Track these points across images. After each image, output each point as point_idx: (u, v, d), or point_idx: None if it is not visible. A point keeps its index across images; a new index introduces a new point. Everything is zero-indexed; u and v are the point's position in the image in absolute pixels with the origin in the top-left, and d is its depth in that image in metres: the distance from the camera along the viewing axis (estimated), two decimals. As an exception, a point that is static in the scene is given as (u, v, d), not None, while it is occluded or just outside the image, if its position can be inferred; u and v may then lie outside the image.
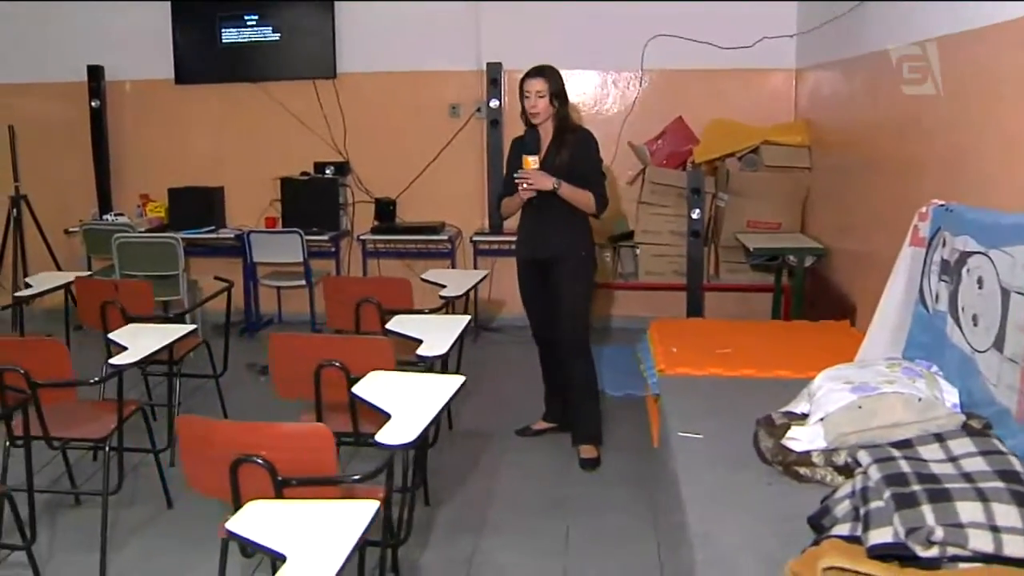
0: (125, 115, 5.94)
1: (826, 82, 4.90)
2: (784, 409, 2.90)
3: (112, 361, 2.75)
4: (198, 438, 2.03)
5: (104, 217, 5.79)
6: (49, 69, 5.81)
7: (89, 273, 4.59)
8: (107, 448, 2.87)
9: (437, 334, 2.88)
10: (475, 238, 5.41)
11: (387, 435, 2.05)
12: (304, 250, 5.31)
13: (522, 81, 3.53)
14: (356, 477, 2.02)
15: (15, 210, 5.62)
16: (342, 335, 2.83)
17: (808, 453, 2.57)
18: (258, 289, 5.63)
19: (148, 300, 3.54)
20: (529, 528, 3.08)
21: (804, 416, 2.79)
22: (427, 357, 2.73)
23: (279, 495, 1.96)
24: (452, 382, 2.39)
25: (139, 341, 2.91)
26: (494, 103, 5.35)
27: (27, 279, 4.02)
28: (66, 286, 3.99)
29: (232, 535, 1.66)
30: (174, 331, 3.02)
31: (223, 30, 5.66)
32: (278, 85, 5.69)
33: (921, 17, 3.44)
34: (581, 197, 3.51)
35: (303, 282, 5.39)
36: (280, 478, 1.96)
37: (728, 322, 4.56)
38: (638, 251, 5.29)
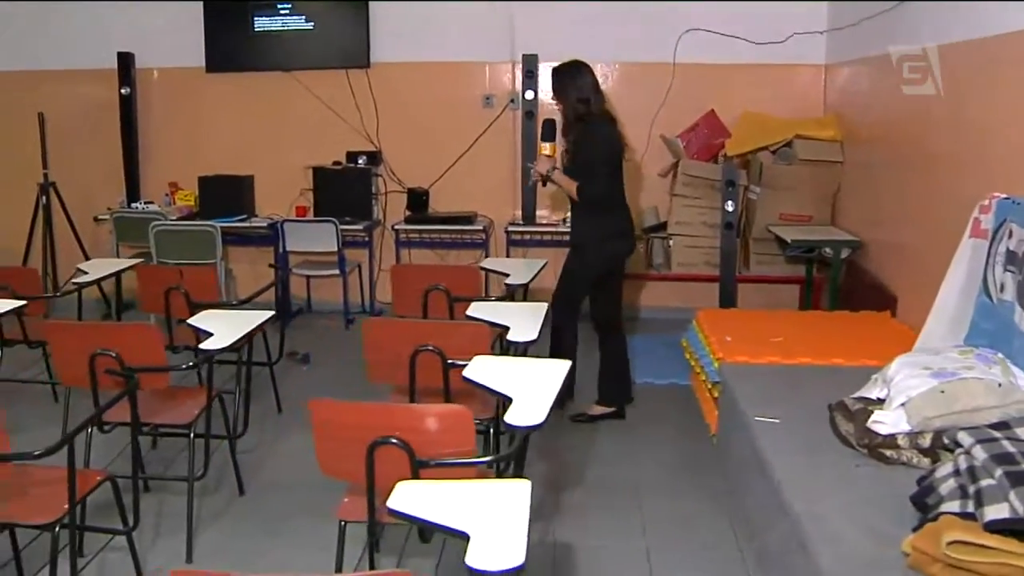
0: (154, 103, 5.90)
1: (860, 78, 4.99)
2: (857, 395, 3.00)
3: (203, 346, 2.77)
4: (332, 422, 2.07)
5: (133, 205, 5.76)
6: (79, 56, 5.75)
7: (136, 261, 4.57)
8: (191, 435, 2.89)
9: (521, 320, 2.93)
10: (509, 228, 5.44)
11: (515, 417, 2.10)
12: (339, 239, 5.33)
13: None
14: (489, 458, 2.06)
15: (44, 197, 5.56)
16: (438, 321, 2.86)
17: (894, 436, 2.66)
18: (289, 278, 5.62)
19: (213, 287, 3.56)
20: (606, 511, 3.15)
21: (880, 401, 2.88)
22: (519, 343, 2.78)
23: (415, 476, 2.01)
24: (560, 366, 2.44)
25: (221, 327, 2.92)
26: (529, 94, 5.38)
27: (80, 266, 4.00)
28: (118, 273, 3.99)
29: (401, 515, 1.67)
30: (255, 317, 3.03)
31: (255, 18, 5.64)
32: (309, 74, 5.69)
33: (960, 16, 3.56)
34: (567, 185, 3.81)
35: (336, 271, 5.41)
36: (417, 459, 2.00)
37: (771, 312, 4.66)
38: (671, 243, 5.37)
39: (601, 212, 3.84)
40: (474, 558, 1.48)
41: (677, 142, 5.41)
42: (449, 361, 2.65)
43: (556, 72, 3.84)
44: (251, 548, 2.91)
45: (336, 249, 5.35)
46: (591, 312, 4.02)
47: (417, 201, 5.59)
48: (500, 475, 2.09)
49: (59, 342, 2.71)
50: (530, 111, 5.41)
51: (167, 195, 5.84)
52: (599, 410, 4.02)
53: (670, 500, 3.28)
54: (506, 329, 2.87)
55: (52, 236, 5.64)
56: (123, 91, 5.72)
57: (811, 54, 5.41)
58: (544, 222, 5.53)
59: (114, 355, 2.63)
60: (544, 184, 4.00)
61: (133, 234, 5.51)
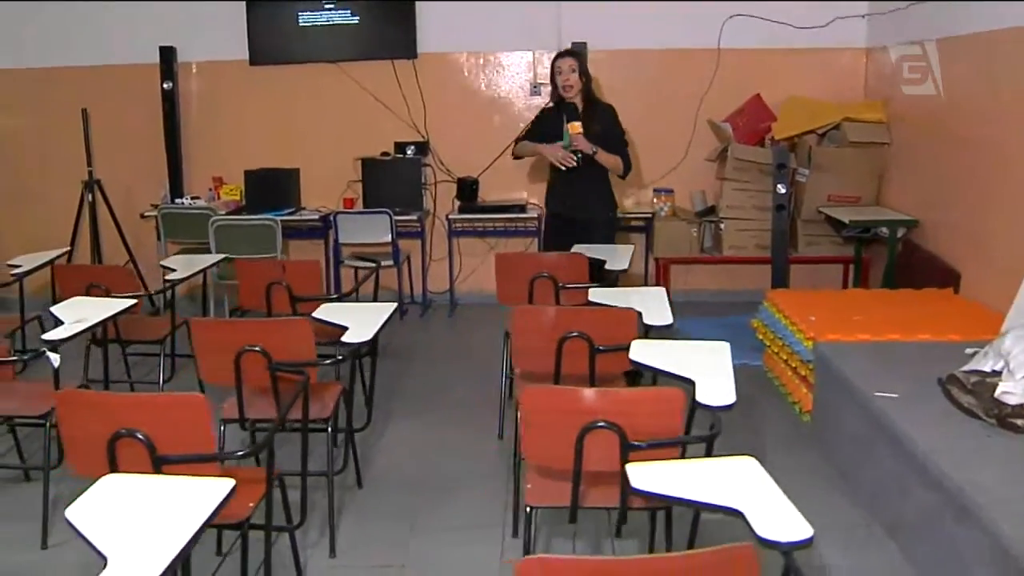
0: (196, 97, 5.84)
1: (906, 61, 5.11)
2: (968, 368, 3.11)
3: (346, 339, 2.79)
4: (539, 408, 2.11)
5: (177, 200, 5.70)
6: (121, 51, 5.67)
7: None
8: (329, 429, 2.91)
9: (648, 304, 2.98)
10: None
11: (708, 397, 2.17)
12: (393, 230, 5.34)
13: (555, 61, 4.18)
14: (705, 435, 2.12)
15: (90, 195, 5.48)
16: (586, 307, 2.90)
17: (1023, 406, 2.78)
18: (340, 270, 5.62)
19: (316, 280, 3.56)
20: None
21: (995, 373, 3.00)
22: (658, 327, 2.84)
23: (625, 460, 2.06)
24: (719, 347, 2.51)
25: (351, 320, 2.93)
26: (579, 82, 5.42)
27: (164, 263, 3.97)
28: (205, 269, 3.97)
29: (663, 496, 1.73)
30: (383, 309, 3.05)
31: (300, 13, 5.60)
32: (355, 65, 5.67)
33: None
34: (613, 161, 4.14)
35: (391, 262, 5.42)
36: (629, 442, 2.05)
37: (837, 291, 4.78)
38: (722, 226, 5.46)
39: (610, 185, 4.28)
40: (764, 531, 1.54)
41: (726, 127, 5.50)
42: (596, 347, 2.71)
43: (580, 56, 4.24)
44: (394, 540, 2.93)
45: (390, 240, 5.36)
46: None
47: (467, 190, 5.61)
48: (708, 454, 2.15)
49: (203, 339, 2.70)
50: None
51: (211, 190, 5.79)
52: None
53: (787, 476, 3.35)
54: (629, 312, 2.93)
55: (98, 235, 5.56)
56: (165, 86, 5.65)
57: (852, 38, 5.53)
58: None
59: (259, 349, 2.64)
60: (580, 164, 4.09)
61: (181, 230, 5.46)
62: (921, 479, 2.66)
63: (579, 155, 4.07)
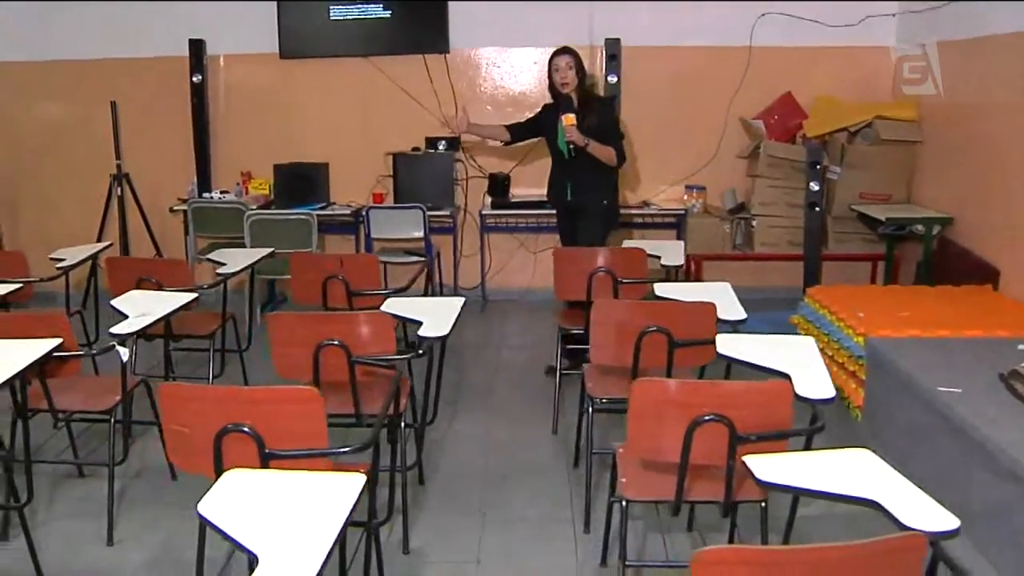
0: (224, 90, 5.80)
1: (948, 60, 5.14)
2: (1029, 363, 3.15)
3: (422, 333, 2.78)
4: (651, 401, 2.10)
5: (204, 195, 5.66)
6: (150, 43, 5.61)
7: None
8: (403, 425, 2.90)
9: (717, 299, 2.99)
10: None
11: (808, 391, 2.18)
12: (426, 226, 5.32)
13: (552, 58, 4.29)
14: (816, 427, 2.12)
15: (119, 188, 5.43)
16: (668, 302, 2.90)
17: (1092, 400, 2.81)
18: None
19: (374, 274, 3.54)
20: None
21: (1056, 369, 3.03)
22: (732, 321, 2.84)
23: (732, 454, 2.06)
24: (805, 341, 2.52)
25: (423, 314, 2.91)
26: (612, 78, 5.43)
27: (212, 256, 3.94)
28: (252, 265, 3.94)
29: (806, 491, 1.73)
30: (451, 303, 3.05)
31: (332, 7, 5.57)
32: (386, 59, 5.65)
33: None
34: (605, 152, 4.23)
35: (422, 258, 5.40)
36: (739, 435, 2.05)
37: (877, 288, 4.81)
38: (754, 223, 5.47)
39: (611, 174, 4.34)
40: (910, 520, 1.54)
41: (758, 124, 5.51)
42: (675, 341, 2.72)
43: (576, 53, 4.29)
44: (466, 535, 2.91)
45: (423, 235, 5.34)
46: None
47: (499, 186, 5.60)
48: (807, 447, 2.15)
49: (281, 333, 2.68)
50: (613, 95, 5.45)
51: (238, 184, 5.75)
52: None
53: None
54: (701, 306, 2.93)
55: (126, 228, 5.51)
56: (195, 79, 5.60)
57: (882, 36, 5.55)
58: (626, 204, 5.59)
59: (339, 343, 2.63)
60: (573, 155, 4.19)
61: (211, 225, 5.43)
62: (992, 471, 2.68)
63: (572, 147, 4.17)
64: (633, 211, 5.57)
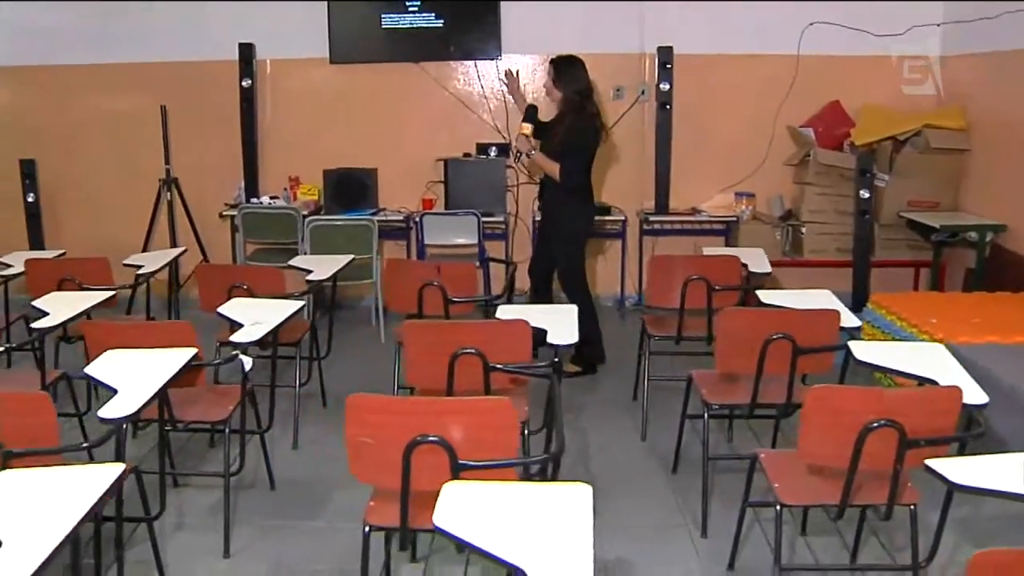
0: (272, 95, 5.77)
1: (985, 70, 5.24)
2: None
3: (552, 341, 2.78)
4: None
5: (252, 200, 5.62)
6: (200, 47, 5.57)
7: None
8: (526, 432, 2.89)
9: (828, 307, 3.03)
10: (652, 217, 5.55)
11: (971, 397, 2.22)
12: (480, 232, 5.32)
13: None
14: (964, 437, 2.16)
15: (168, 193, 5.39)
16: (790, 310, 2.93)
17: None
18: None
19: (471, 282, 3.54)
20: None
21: None
22: (851, 328, 2.88)
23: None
24: (936, 348, 2.57)
25: (546, 322, 2.91)
26: (664, 85, 5.47)
27: (293, 262, 3.91)
28: (340, 269, 3.92)
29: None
30: (567, 310, 3.06)
31: (384, 16, 5.56)
32: (436, 65, 5.65)
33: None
34: (548, 166, 4.24)
35: (477, 263, 5.39)
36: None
37: (937, 294, 4.88)
38: (803, 230, 5.54)
39: (578, 194, 4.32)
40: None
41: (808, 132, 5.58)
42: (799, 348, 2.75)
43: (557, 63, 4.32)
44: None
45: (477, 241, 5.35)
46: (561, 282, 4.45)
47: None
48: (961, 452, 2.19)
49: (415, 342, 2.68)
50: (665, 102, 5.50)
51: (285, 189, 5.72)
52: (572, 368, 4.38)
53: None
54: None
55: (175, 233, 5.47)
56: (244, 83, 5.56)
57: (927, 46, 5.64)
58: (677, 211, 5.64)
59: (474, 351, 2.62)
60: (518, 160, 4.31)
61: (261, 230, 5.40)
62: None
63: (520, 155, 4.28)
64: (682, 218, 5.61)
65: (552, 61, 4.36)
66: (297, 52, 5.64)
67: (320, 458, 3.53)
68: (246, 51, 5.55)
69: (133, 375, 2.34)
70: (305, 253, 5.00)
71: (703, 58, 5.63)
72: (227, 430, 2.90)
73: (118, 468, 1.72)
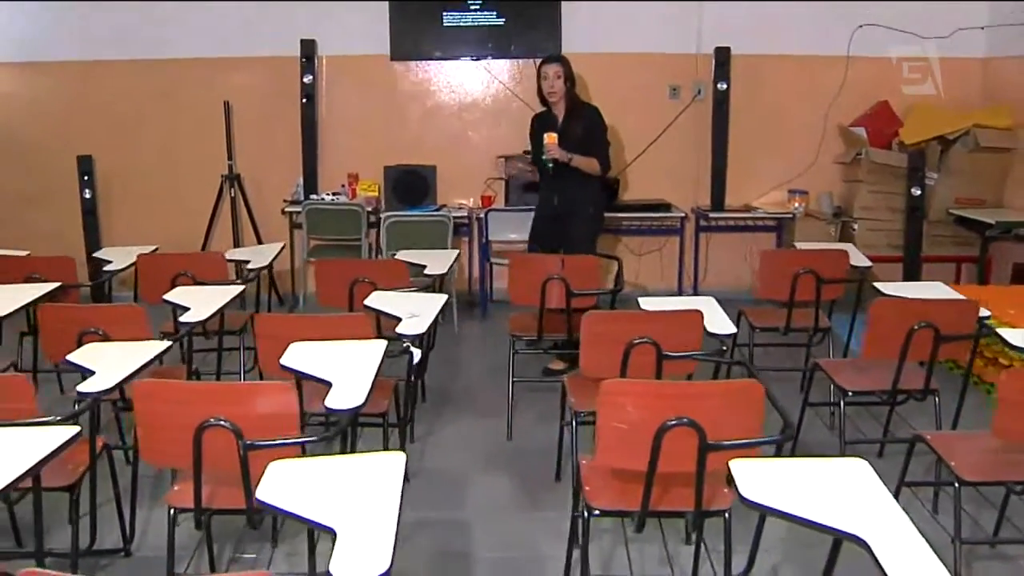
0: (331, 91, 5.76)
1: None
2: None
3: (713, 331, 2.85)
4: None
5: (312, 196, 5.60)
6: (262, 43, 5.54)
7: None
8: (575, 423, 2.90)
9: (941, 295, 3.16)
10: (712, 214, 5.66)
11: None
12: (544, 228, 5.37)
13: (541, 67, 4.39)
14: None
15: (231, 190, 5.34)
16: (932, 301, 3.04)
17: None
18: (492, 268, 5.63)
19: (594, 275, 3.60)
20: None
21: None
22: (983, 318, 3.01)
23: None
24: None
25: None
26: (722, 85, 5.59)
27: (404, 257, 3.91)
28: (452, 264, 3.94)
29: None
30: (705, 301, 3.13)
31: (445, 14, 5.59)
32: (497, 62, 5.69)
33: None
34: (589, 164, 4.32)
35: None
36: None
37: (998, 287, 5.06)
38: (855, 227, 5.70)
39: (597, 183, 4.43)
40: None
41: (860, 131, 5.74)
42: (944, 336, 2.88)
43: (565, 62, 4.43)
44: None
45: (540, 238, 5.39)
46: None
47: (608, 190, 5.68)
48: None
49: (594, 332, 2.76)
50: (721, 101, 5.62)
51: (343, 185, 5.71)
52: (560, 365, 4.37)
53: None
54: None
55: (238, 229, 5.43)
56: (305, 79, 5.54)
57: (972, 47, 5.85)
58: (732, 208, 5.76)
59: (648, 340, 2.68)
60: (553, 166, 4.29)
61: (323, 226, 5.39)
62: None
63: (552, 163, 4.28)
64: (738, 215, 5.73)
65: (561, 60, 4.42)
66: (358, 49, 5.64)
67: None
68: (308, 47, 5.53)
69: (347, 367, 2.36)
70: (371, 248, 5.01)
71: (757, 58, 5.76)
72: (385, 424, 2.92)
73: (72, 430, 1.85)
